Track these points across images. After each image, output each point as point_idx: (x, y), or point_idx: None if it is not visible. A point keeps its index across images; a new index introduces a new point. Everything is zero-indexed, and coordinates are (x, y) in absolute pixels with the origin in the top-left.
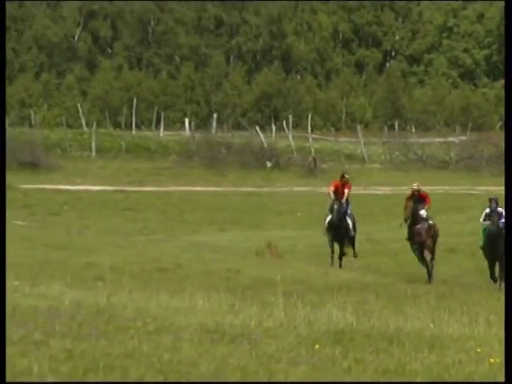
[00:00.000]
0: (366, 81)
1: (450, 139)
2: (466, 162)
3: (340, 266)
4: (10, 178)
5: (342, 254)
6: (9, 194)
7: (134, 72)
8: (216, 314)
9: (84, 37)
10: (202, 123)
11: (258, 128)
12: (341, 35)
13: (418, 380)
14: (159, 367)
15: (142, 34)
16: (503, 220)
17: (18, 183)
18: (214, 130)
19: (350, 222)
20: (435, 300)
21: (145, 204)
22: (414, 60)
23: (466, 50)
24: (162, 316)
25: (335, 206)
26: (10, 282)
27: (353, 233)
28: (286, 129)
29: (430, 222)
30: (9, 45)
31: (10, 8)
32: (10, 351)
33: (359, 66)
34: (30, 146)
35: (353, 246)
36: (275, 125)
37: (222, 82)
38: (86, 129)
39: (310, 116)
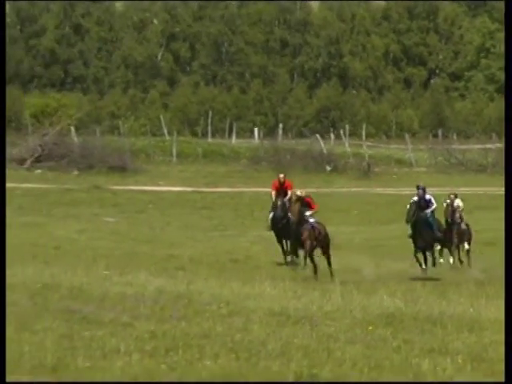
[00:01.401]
0: (414, 95)
1: (488, 146)
2: (501, 166)
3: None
4: (101, 180)
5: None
6: (100, 194)
7: (209, 88)
8: (282, 300)
9: (166, 56)
10: (270, 132)
11: (318, 136)
12: (391, 55)
13: (460, 359)
14: (231, 346)
15: (217, 54)
16: (433, 206)
17: (108, 185)
18: (279, 138)
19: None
20: (475, 287)
21: (219, 203)
22: (455, 77)
23: (501, 68)
24: (234, 301)
25: (278, 203)
26: (101, 272)
27: None
28: (342, 137)
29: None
30: (100, 63)
31: (100, 31)
32: (99, 332)
33: (407, 83)
34: (118, 152)
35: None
36: (333, 133)
37: (287, 97)
38: (167, 137)
39: (364, 126)
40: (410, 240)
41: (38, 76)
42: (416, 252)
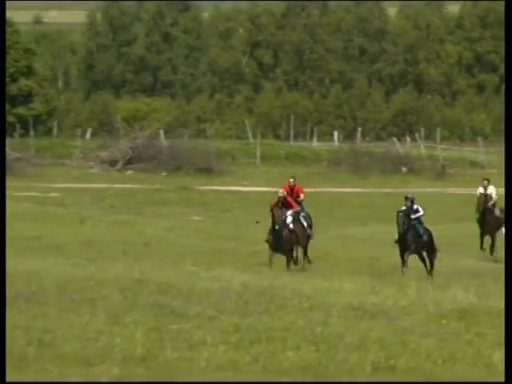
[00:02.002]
0: (486, 100)
1: None
2: None
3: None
4: (189, 181)
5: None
6: (187, 194)
7: (291, 93)
8: (359, 294)
9: (250, 63)
10: (349, 135)
11: (395, 139)
12: (464, 62)
13: None
14: (312, 338)
15: (299, 61)
16: (420, 214)
17: (195, 185)
18: (358, 141)
19: (304, 222)
20: None
21: (307, 204)
22: None
23: None
24: (315, 296)
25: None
26: (188, 268)
27: (309, 231)
28: (418, 140)
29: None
30: (187, 70)
31: (188, 39)
32: (186, 325)
33: (480, 88)
34: (205, 154)
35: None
36: (409, 136)
37: (365, 101)
38: (251, 140)
39: (438, 129)
40: (397, 243)
41: (129, 82)
42: (401, 254)
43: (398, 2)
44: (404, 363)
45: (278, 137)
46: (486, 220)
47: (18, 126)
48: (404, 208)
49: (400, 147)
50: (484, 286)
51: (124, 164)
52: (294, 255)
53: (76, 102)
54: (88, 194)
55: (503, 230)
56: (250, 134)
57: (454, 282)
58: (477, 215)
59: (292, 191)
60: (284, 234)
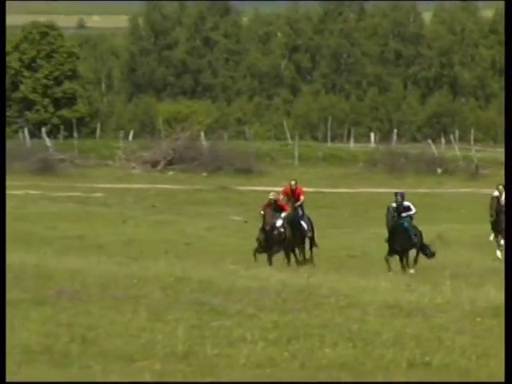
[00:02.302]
0: None
1: None
2: None
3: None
4: (229, 181)
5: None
6: (227, 194)
7: (329, 95)
8: (395, 293)
9: (289, 67)
10: (385, 137)
11: (430, 141)
12: (498, 65)
13: None
14: (349, 335)
15: (336, 65)
16: (412, 212)
17: (235, 185)
18: (394, 143)
19: (304, 224)
20: None
21: (337, 203)
22: None
23: None
24: (352, 294)
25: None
26: (228, 266)
27: (309, 233)
28: (452, 141)
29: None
30: (227, 73)
31: (228, 43)
32: (227, 322)
33: None
34: (244, 155)
35: (311, 246)
36: (444, 138)
37: (401, 104)
38: (290, 141)
39: (472, 131)
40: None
41: (170, 85)
42: (388, 254)
43: (433, 6)
44: (439, 360)
45: (315, 138)
46: (499, 221)
47: (62, 127)
48: (394, 205)
49: (435, 149)
50: None
51: (165, 165)
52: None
53: (119, 105)
54: (130, 194)
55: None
56: (288, 136)
57: (487, 280)
58: (491, 218)
59: (293, 193)
60: (273, 235)
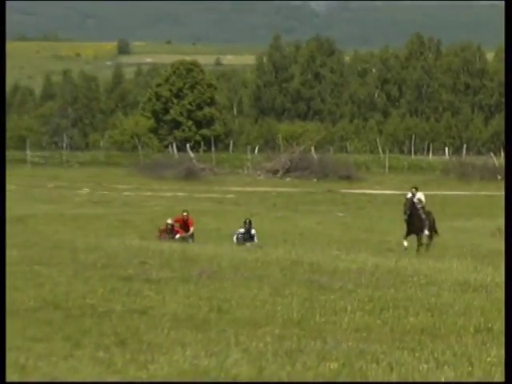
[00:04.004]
0: None
1: None
2: None
3: None
4: (334, 186)
5: None
6: (332, 196)
7: (413, 118)
8: (465, 273)
9: (381, 95)
10: (456, 151)
11: (492, 154)
12: None
13: None
14: (428, 307)
15: (418, 94)
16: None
17: (339, 189)
18: (463, 155)
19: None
20: None
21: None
22: None
23: None
24: (430, 274)
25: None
26: (333, 252)
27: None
28: None
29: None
30: (333, 101)
31: (333, 76)
32: (331, 296)
33: None
34: (346, 165)
35: None
36: (503, 151)
37: (469, 125)
38: (381, 154)
39: None
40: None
41: (287, 110)
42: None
43: (494, 47)
44: (499, 326)
45: (401, 152)
46: (412, 221)
47: (202, 143)
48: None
49: (496, 160)
50: None
51: (284, 173)
52: None
53: (247, 125)
54: (256, 195)
55: (426, 231)
56: (380, 150)
57: None
58: (404, 217)
59: (185, 223)
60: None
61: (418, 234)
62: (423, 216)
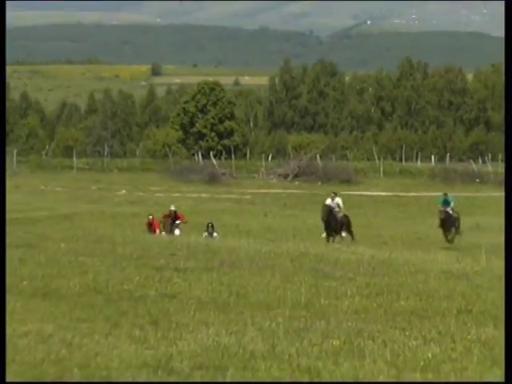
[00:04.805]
0: None
1: None
2: None
3: None
4: (335, 188)
5: None
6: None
7: (403, 130)
8: (448, 263)
9: (376, 111)
10: (441, 158)
11: (471, 161)
12: None
13: None
14: (417, 292)
15: (408, 109)
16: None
17: (340, 191)
18: (447, 162)
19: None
20: None
21: (409, 202)
22: None
23: None
24: (418, 263)
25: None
26: (335, 245)
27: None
28: (486, 161)
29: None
30: (335, 115)
31: (335, 94)
32: (334, 283)
33: None
34: (346, 171)
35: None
36: (481, 159)
37: (452, 136)
38: (377, 161)
39: (500, 155)
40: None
41: (296, 123)
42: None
43: (473, 70)
44: (477, 308)
45: (394, 159)
46: (329, 222)
47: (223, 152)
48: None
49: (475, 166)
50: None
51: (293, 177)
52: None
53: (261, 137)
54: (269, 196)
55: (343, 233)
56: (375, 158)
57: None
58: (323, 219)
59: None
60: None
61: (333, 235)
62: (339, 218)
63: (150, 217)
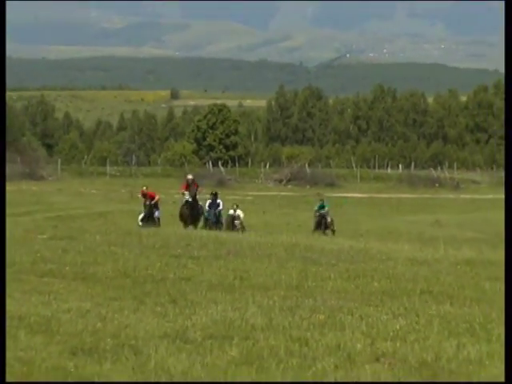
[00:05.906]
0: (483, 147)
1: None
2: None
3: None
4: (321, 191)
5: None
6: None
7: (377, 143)
8: (413, 252)
9: (354, 128)
10: (407, 166)
11: (432, 169)
12: (470, 125)
13: None
14: (387, 276)
15: (380, 127)
16: (221, 207)
17: (324, 193)
18: (412, 169)
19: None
20: None
21: (381, 202)
22: None
23: None
24: (389, 252)
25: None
26: (321, 237)
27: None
28: (444, 169)
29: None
30: (321, 131)
31: (321, 114)
32: (320, 268)
33: (478, 137)
34: (330, 176)
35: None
36: (440, 167)
37: (416, 148)
38: (354, 169)
39: (455, 164)
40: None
41: (289, 137)
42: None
43: (433, 94)
44: (437, 290)
45: (369, 167)
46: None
47: (229, 161)
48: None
49: (434, 173)
50: (479, 247)
51: (286, 181)
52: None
53: (261, 149)
54: (267, 198)
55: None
56: (354, 166)
57: (464, 245)
58: (226, 227)
59: (145, 195)
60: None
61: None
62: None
63: (144, 188)
